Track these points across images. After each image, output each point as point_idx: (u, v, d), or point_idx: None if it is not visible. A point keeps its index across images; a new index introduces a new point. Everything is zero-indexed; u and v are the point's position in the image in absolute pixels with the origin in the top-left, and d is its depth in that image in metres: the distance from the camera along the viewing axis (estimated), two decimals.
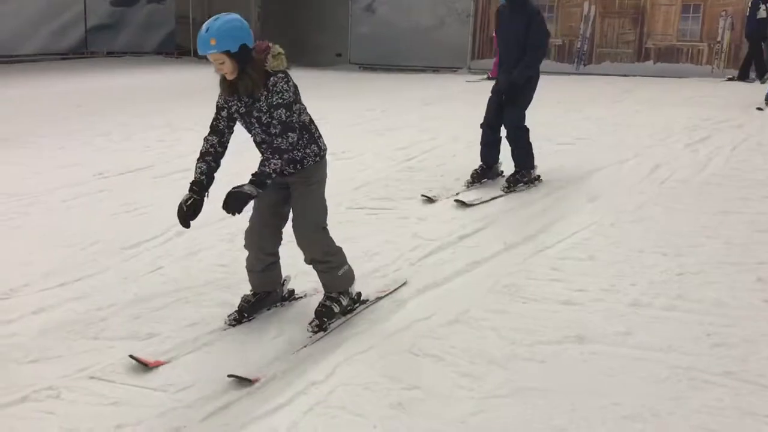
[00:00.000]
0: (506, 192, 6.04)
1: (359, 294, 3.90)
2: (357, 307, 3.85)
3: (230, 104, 3.47)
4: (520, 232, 5.12)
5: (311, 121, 3.60)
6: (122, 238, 4.90)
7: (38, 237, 5.00)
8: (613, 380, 3.17)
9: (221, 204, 3.30)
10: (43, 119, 9.32)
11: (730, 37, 14.59)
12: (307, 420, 2.89)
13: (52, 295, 4.04)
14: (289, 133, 3.39)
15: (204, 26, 3.29)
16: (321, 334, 3.58)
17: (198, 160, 3.52)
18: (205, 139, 3.54)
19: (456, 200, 5.75)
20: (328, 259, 3.67)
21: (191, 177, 3.52)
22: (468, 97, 11.14)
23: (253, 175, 3.36)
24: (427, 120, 9.54)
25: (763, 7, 12.94)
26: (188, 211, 3.45)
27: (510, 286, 4.17)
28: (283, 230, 3.74)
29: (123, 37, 17.70)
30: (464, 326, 3.70)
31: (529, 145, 6.22)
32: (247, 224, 3.74)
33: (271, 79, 3.36)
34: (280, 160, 3.37)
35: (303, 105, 3.53)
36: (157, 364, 3.29)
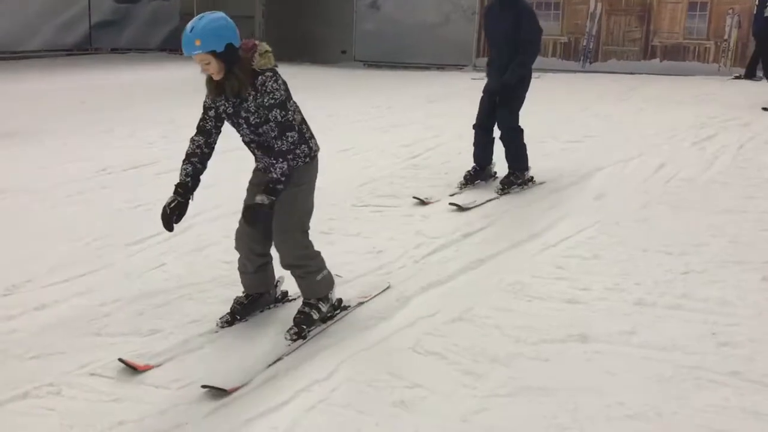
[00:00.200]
0: (500, 194, 5.94)
1: (340, 300, 3.78)
2: (338, 313, 3.72)
3: (218, 104, 3.39)
4: (524, 230, 5.10)
5: (303, 120, 3.49)
6: (126, 234, 4.89)
7: (41, 232, 4.99)
8: (617, 379, 3.15)
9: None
10: (47, 115, 9.33)
11: (737, 35, 14.52)
12: (309, 417, 2.88)
13: (54, 291, 4.03)
14: (288, 133, 3.30)
15: (188, 26, 3.18)
16: (300, 342, 3.45)
17: (183, 161, 3.45)
18: (192, 140, 3.46)
19: (451, 204, 5.63)
20: (305, 263, 3.55)
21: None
22: (473, 95, 10.99)
23: (263, 186, 3.30)
24: (432, 117, 9.53)
25: None
26: (172, 214, 3.39)
27: (514, 284, 4.15)
28: None
29: (127, 34, 17.73)
30: (468, 324, 3.68)
31: (524, 146, 6.11)
32: (237, 225, 3.64)
33: (259, 78, 3.26)
34: (285, 162, 3.28)
35: (295, 102, 3.43)
36: (147, 368, 3.21)
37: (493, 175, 6.35)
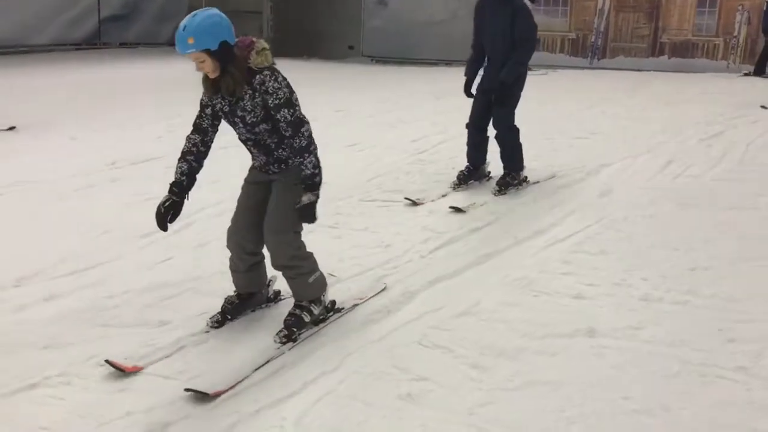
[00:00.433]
0: (497, 195, 5.83)
1: (333, 302, 3.69)
2: (330, 315, 3.64)
3: (214, 102, 3.36)
4: (531, 225, 5.10)
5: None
6: (135, 228, 4.91)
7: (51, 225, 5.03)
8: (623, 374, 3.16)
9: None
10: (56, 109, 9.36)
11: (746, 31, 14.46)
12: (317, 409, 2.90)
13: (64, 283, 4.06)
14: (302, 129, 3.26)
15: (181, 24, 3.12)
16: (290, 344, 3.36)
17: (179, 159, 3.42)
18: (188, 138, 3.43)
19: (451, 207, 5.51)
20: (297, 264, 3.46)
21: None
22: None
23: (302, 183, 3.30)
24: (439, 113, 9.51)
25: None
26: (166, 214, 3.36)
27: (521, 279, 4.16)
28: None
29: (136, 28, 17.75)
30: (475, 318, 3.69)
31: (519, 145, 5.99)
32: (229, 223, 3.61)
33: (257, 77, 3.21)
34: (311, 155, 3.27)
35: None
36: (135, 370, 3.14)
37: (487, 175, 6.25)
